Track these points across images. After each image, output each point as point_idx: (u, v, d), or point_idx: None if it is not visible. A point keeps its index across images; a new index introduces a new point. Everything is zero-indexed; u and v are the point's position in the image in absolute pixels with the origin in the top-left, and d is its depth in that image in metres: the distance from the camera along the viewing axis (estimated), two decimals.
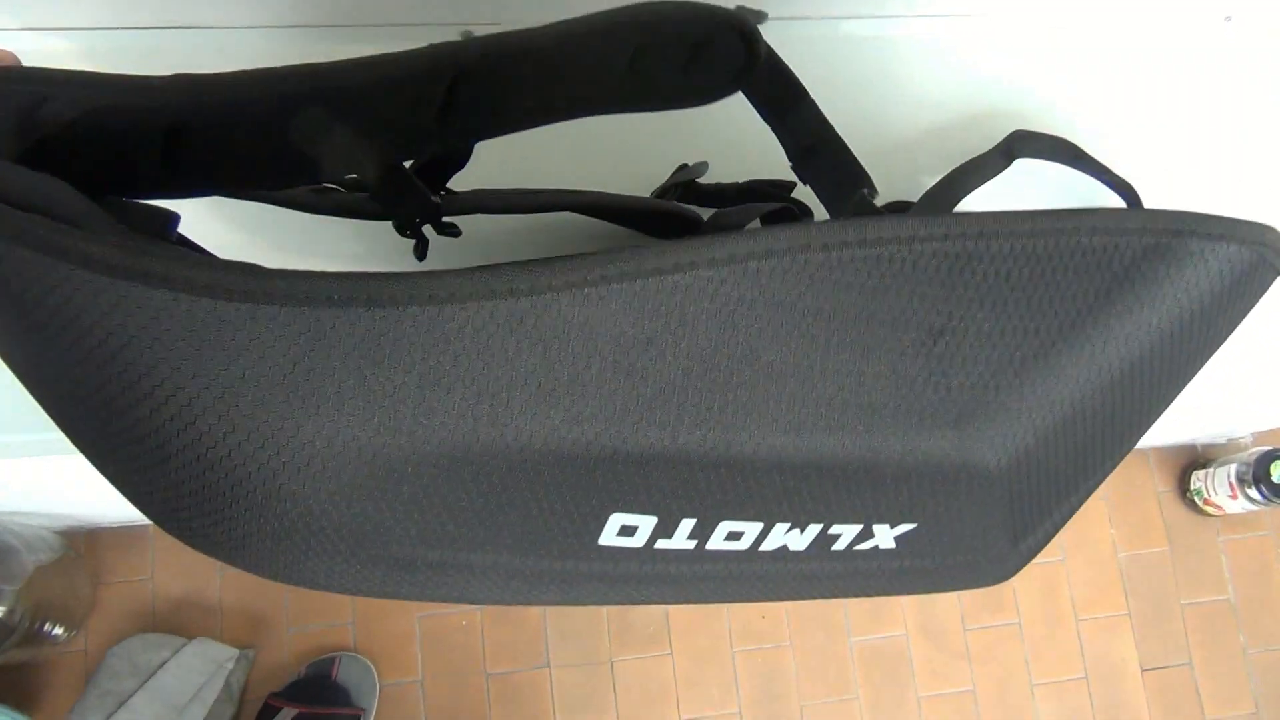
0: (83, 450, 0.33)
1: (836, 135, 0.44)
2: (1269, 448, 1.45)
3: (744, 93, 0.41)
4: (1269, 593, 1.56)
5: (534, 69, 0.37)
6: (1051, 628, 1.52)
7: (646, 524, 0.35)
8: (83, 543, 1.39)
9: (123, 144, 0.35)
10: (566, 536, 0.35)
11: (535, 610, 1.44)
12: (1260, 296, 0.42)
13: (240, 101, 0.35)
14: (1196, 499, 1.55)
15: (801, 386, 0.34)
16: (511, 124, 0.39)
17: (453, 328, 0.29)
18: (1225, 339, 0.43)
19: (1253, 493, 1.43)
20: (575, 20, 0.36)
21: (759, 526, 0.37)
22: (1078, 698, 1.50)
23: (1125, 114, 0.63)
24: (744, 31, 0.36)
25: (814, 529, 0.39)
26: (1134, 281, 0.38)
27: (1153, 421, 0.45)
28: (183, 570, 1.41)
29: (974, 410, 0.38)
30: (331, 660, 1.38)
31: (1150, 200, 0.56)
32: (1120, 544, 1.55)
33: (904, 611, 1.51)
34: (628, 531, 0.36)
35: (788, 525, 0.38)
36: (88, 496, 1.20)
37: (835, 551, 0.41)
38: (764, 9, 0.37)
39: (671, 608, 1.46)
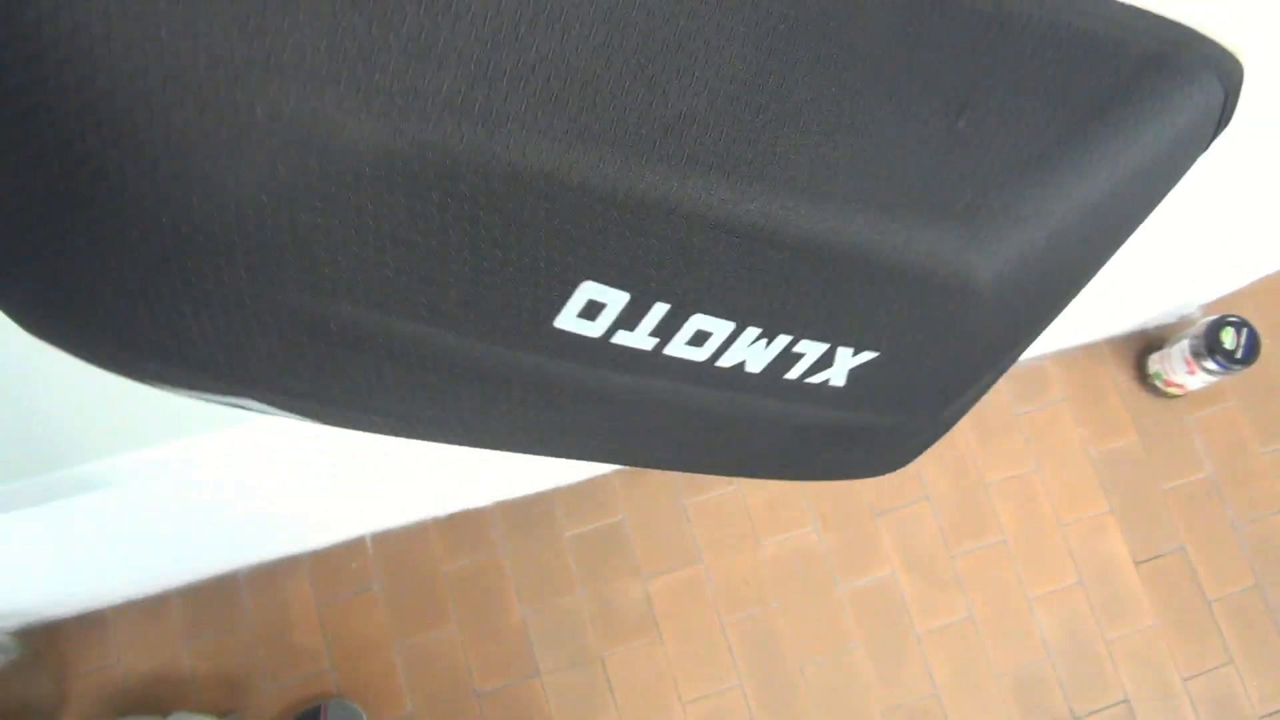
0: None
1: None
2: (1216, 316, 1.43)
3: None
4: (1246, 462, 1.54)
5: None
6: (1037, 539, 1.50)
7: (616, 303, 0.31)
8: (40, 639, 1.35)
9: None
10: (523, 308, 0.30)
11: (515, 617, 1.41)
12: (1201, 152, 0.41)
13: None
14: (1157, 382, 1.52)
15: (825, 142, 0.31)
16: None
17: None
18: (1165, 194, 0.42)
19: (1209, 364, 1.41)
20: None
21: (730, 328, 0.34)
22: (1076, 603, 1.48)
23: None
24: None
25: (781, 342, 0.35)
26: (1131, 92, 0.35)
27: (1086, 283, 0.43)
28: (149, 647, 1.37)
29: (978, 207, 0.35)
30: (317, 710, 1.34)
31: None
32: (1089, 442, 1.53)
33: (887, 549, 1.48)
34: (592, 311, 0.31)
35: (758, 332, 0.34)
36: (28, 576, 1.16)
37: (786, 382, 0.37)
38: None
39: (652, 589, 1.43)
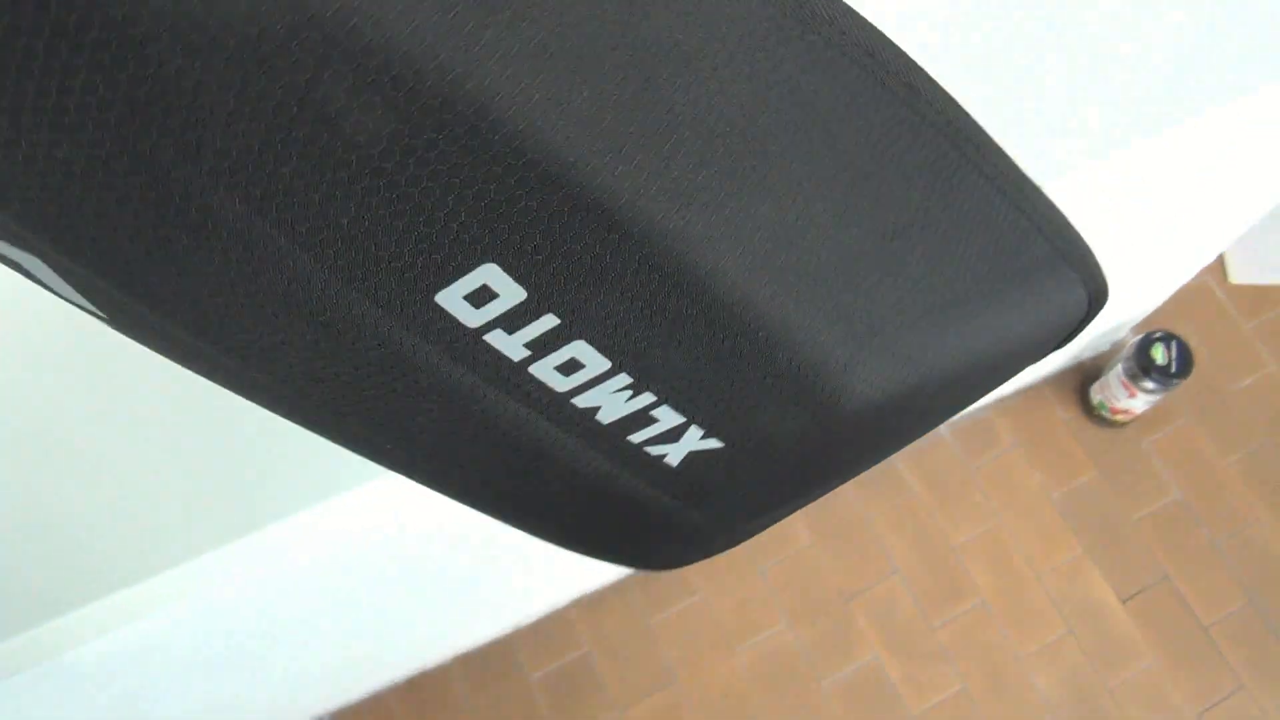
0: None
1: None
2: (1143, 335, 1.41)
3: None
4: (1211, 476, 1.49)
5: None
6: (1016, 594, 1.44)
7: (509, 299, 0.29)
8: None
9: None
10: (414, 269, 0.27)
11: None
12: (1045, 356, 0.43)
13: None
14: (1103, 412, 1.49)
15: (776, 212, 0.30)
16: None
17: None
18: (1003, 382, 0.44)
19: (1146, 383, 1.39)
20: None
21: (604, 367, 0.32)
22: (1070, 654, 1.41)
23: None
24: None
25: (643, 400, 0.34)
26: (1027, 281, 0.38)
27: (920, 437, 0.45)
28: None
29: (873, 334, 0.35)
30: None
31: None
32: (1049, 485, 1.49)
33: (865, 633, 1.42)
34: (481, 298, 0.28)
35: (628, 382, 0.33)
36: None
37: (627, 443, 0.36)
38: None
39: None
